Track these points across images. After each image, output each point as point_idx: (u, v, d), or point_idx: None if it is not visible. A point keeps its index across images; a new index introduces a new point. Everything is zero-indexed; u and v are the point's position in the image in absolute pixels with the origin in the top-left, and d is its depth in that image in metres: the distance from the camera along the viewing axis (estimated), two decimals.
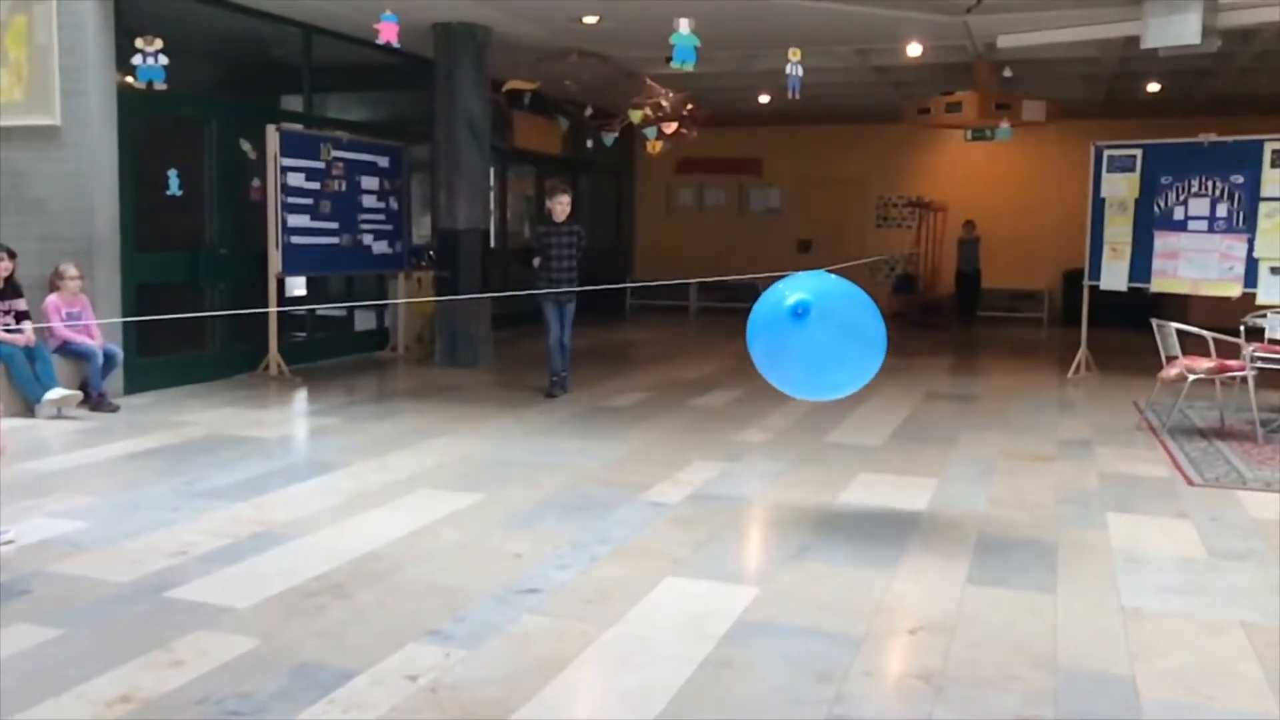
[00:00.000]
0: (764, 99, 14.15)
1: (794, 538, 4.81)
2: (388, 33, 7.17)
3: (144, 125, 8.75)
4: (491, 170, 12.90)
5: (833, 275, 4.40)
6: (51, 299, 7.72)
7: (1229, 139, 9.13)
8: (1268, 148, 8.76)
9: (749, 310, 4.55)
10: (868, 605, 3.93)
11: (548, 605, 3.91)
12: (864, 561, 4.45)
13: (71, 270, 7.81)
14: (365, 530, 4.80)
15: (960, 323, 15.23)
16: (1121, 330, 11.30)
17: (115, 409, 7.67)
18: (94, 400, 7.65)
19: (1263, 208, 8.79)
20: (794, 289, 4.22)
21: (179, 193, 9.02)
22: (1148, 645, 3.61)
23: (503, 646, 3.52)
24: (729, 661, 3.42)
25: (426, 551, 4.51)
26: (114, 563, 4.29)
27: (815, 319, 4.07)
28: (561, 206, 8.74)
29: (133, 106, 8.36)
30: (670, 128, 12.30)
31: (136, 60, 7.74)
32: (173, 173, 8.94)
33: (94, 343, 7.74)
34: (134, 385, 8.39)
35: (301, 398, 8.59)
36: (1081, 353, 10.19)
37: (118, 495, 5.37)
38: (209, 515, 5.02)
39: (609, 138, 12.16)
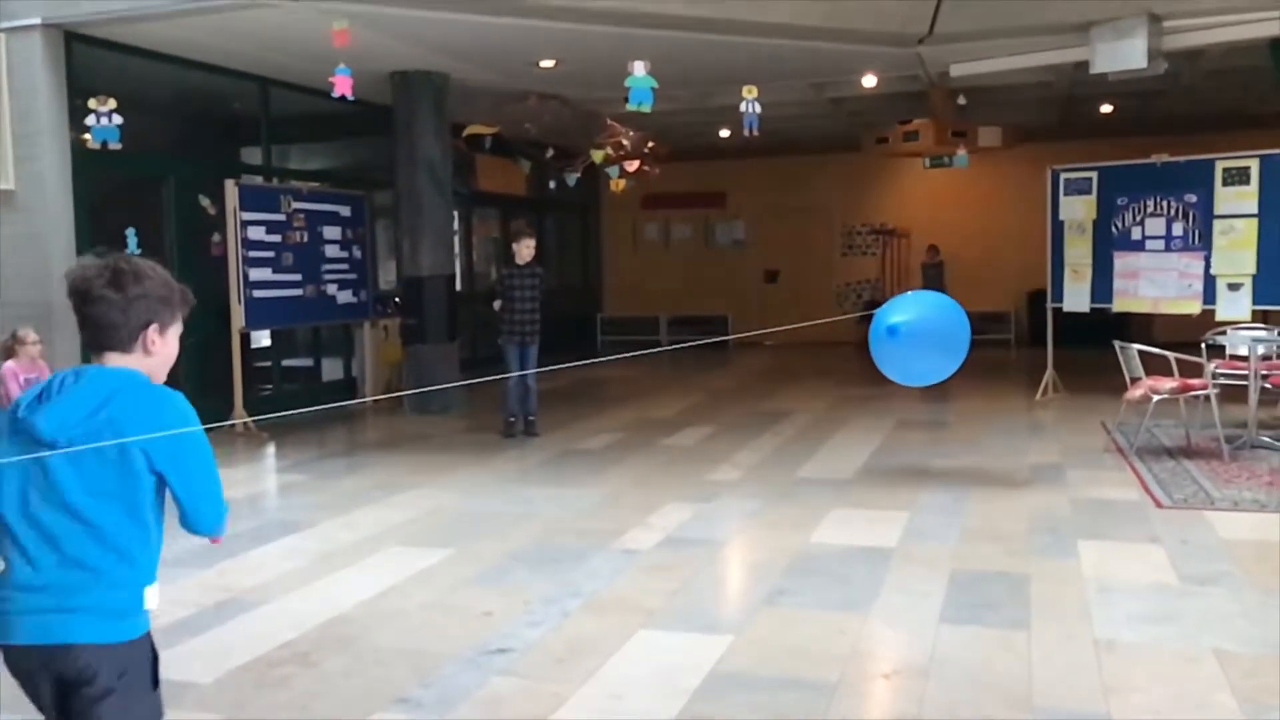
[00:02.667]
0: (724, 133, 14.26)
1: (767, 581, 4.78)
2: (342, 86, 7.19)
3: (100, 185, 8.68)
4: (455, 213, 12.90)
5: (932, 294, 5.56)
6: (8, 365, 7.57)
7: (1181, 159, 9.28)
8: (1219, 166, 8.90)
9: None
10: (842, 650, 3.90)
11: (518, 666, 3.85)
12: (837, 603, 4.42)
13: (31, 335, 7.68)
14: (333, 593, 4.73)
15: None
16: (1088, 348, 11.35)
17: None
18: None
19: (1217, 225, 8.92)
20: (894, 311, 5.31)
21: (138, 251, 8.93)
22: (1122, 679, 3.60)
23: (472, 712, 3.46)
24: (703, 718, 3.37)
25: (395, 613, 4.44)
26: None
27: (904, 335, 5.15)
28: (527, 249, 8.76)
29: (88, 167, 8.30)
30: (633, 166, 12.39)
31: (90, 120, 7.71)
32: (131, 231, 8.87)
33: None
34: None
35: (269, 454, 8.49)
36: (1048, 374, 10.26)
37: None
38: (173, 584, 4.91)
39: (571, 178, 12.21)
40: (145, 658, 2.10)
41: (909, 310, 5.45)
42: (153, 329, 2.11)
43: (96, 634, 2.00)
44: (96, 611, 2.01)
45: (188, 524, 2.14)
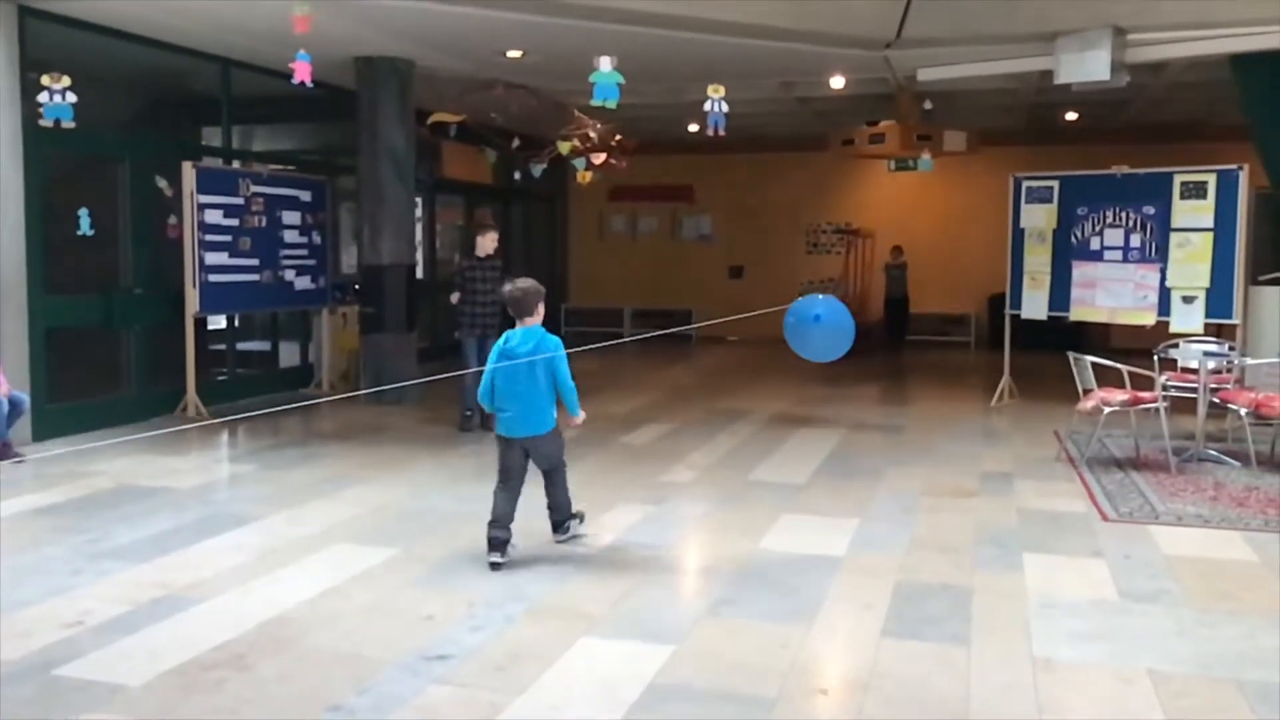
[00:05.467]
0: (693, 128, 14.22)
1: (712, 589, 4.77)
2: (302, 72, 7.04)
3: (53, 164, 8.50)
4: (419, 200, 12.79)
5: (833, 298, 6.67)
6: None
7: (1141, 171, 9.35)
8: (1177, 180, 9.00)
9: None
10: (782, 663, 3.90)
11: (457, 673, 3.82)
12: (781, 614, 4.42)
13: None
14: (272, 592, 4.66)
15: (889, 348, 15.38)
16: (1046, 353, 11.44)
17: (21, 459, 7.40)
18: None
19: (1173, 238, 9.02)
20: (813, 306, 6.48)
21: (90, 232, 8.77)
22: (1057, 699, 3.62)
23: None
24: None
25: (335, 615, 4.39)
26: (2, 638, 4.10)
27: (823, 322, 6.30)
28: (490, 242, 8.71)
29: (41, 145, 8.12)
30: (599, 158, 12.29)
31: (43, 98, 7.51)
32: (83, 212, 8.70)
33: None
34: (44, 432, 8.12)
35: (220, 442, 8.38)
36: (1004, 381, 10.33)
37: (15, 558, 5.16)
38: (110, 579, 4.84)
39: (537, 169, 12.11)
40: (558, 433, 5.19)
41: (822, 307, 6.72)
42: (539, 305, 5.13)
43: (541, 429, 5.08)
44: (539, 422, 5.05)
45: (560, 396, 5.10)
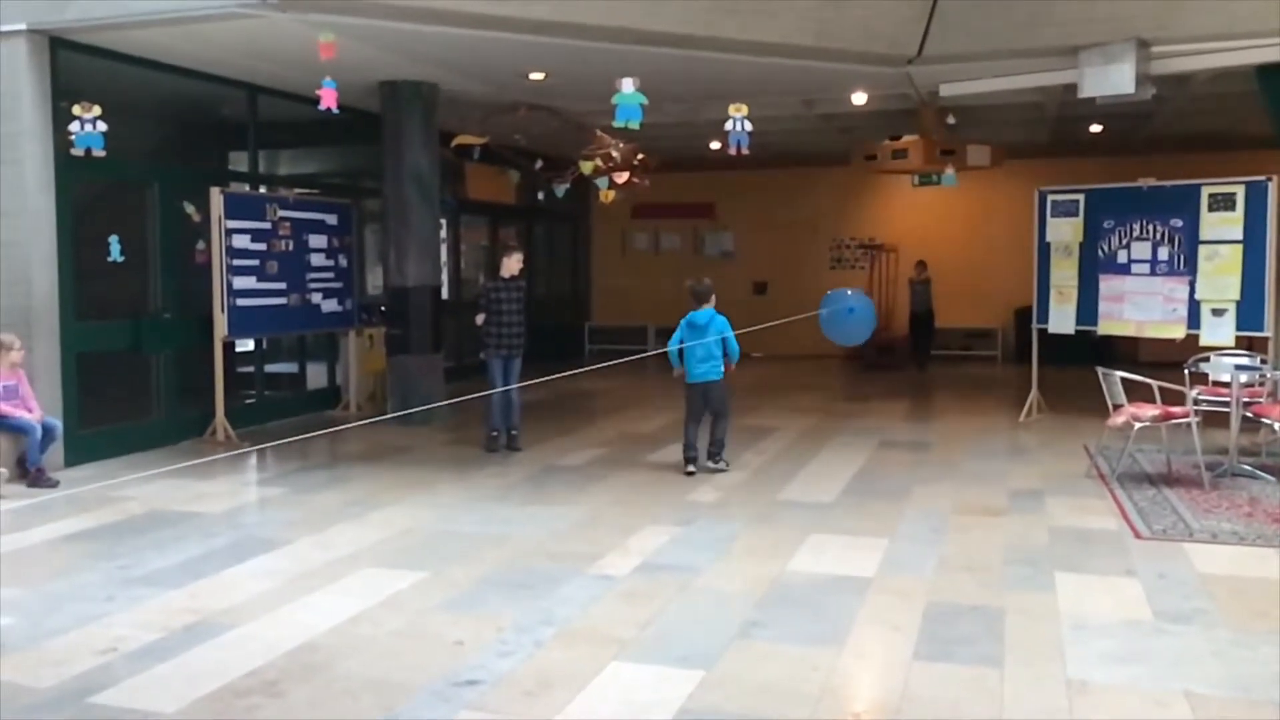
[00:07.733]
0: (715, 145, 14.23)
1: (742, 612, 4.75)
2: (328, 99, 7.15)
3: (84, 191, 8.62)
4: (444, 222, 12.87)
5: (860, 292, 8.53)
6: None
7: (1167, 183, 9.28)
8: (1204, 192, 8.91)
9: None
10: (812, 687, 3.87)
11: (488, 699, 3.82)
12: (811, 637, 4.40)
13: (16, 342, 7.64)
14: (303, 617, 4.68)
15: (915, 363, 15.30)
16: (1074, 366, 11.32)
17: (54, 484, 7.48)
18: (32, 476, 7.46)
19: (1202, 250, 8.93)
20: (845, 301, 8.00)
21: (120, 259, 8.88)
22: None
23: None
24: None
25: (365, 640, 4.40)
26: (38, 665, 4.14)
27: (856, 312, 7.97)
28: (516, 263, 8.76)
29: (71, 173, 8.23)
30: (622, 178, 12.32)
31: (74, 127, 7.63)
32: (114, 239, 8.81)
33: (32, 416, 7.56)
34: (75, 457, 8.20)
35: (248, 465, 8.43)
36: (1033, 395, 10.25)
37: (48, 585, 5.21)
38: (143, 605, 4.88)
39: (560, 189, 12.16)
40: (726, 384, 7.74)
41: (854, 301, 8.15)
42: (712, 297, 7.70)
43: (716, 375, 7.65)
44: (714, 370, 7.64)
45: (728, 354, 7.71)
